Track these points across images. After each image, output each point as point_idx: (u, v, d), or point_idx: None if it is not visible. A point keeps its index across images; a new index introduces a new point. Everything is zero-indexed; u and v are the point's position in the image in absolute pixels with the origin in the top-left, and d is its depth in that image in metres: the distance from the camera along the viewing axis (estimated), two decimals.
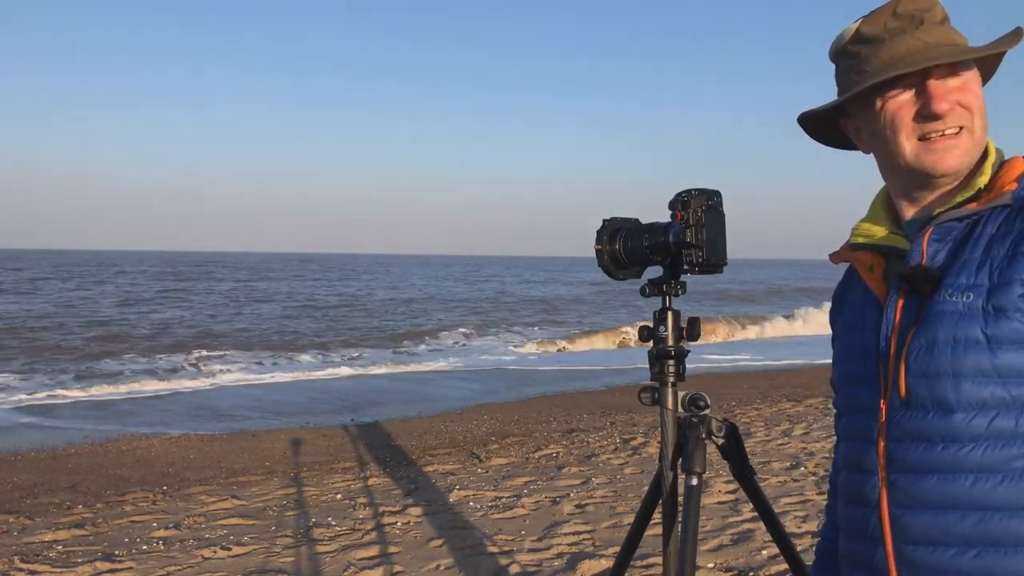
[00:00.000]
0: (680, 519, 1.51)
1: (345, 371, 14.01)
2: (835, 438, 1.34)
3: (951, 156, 1.15)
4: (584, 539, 4.53)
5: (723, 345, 18.37)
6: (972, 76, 1.17)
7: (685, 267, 1.61)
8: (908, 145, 1.16)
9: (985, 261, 1.10)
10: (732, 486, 5.39)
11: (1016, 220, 1.11)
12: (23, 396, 11.08)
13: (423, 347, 18.42)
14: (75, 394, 11.41)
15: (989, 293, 1.08)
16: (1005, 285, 1.07)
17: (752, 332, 21.42)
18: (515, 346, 18.67)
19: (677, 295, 1.69)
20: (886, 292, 1.20)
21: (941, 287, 1.12)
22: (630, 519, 4.81)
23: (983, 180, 1.16)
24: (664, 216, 1.62)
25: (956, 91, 1.15)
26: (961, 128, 1.15)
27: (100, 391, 11.70)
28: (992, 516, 1.06)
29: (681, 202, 1.55)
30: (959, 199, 1.17)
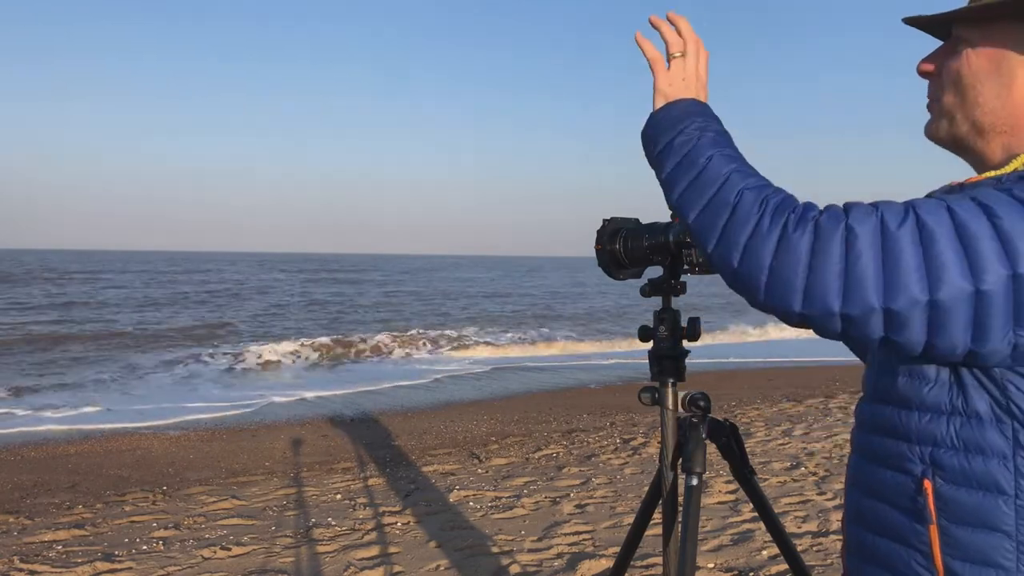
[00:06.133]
0: (680, 519, 1.51)
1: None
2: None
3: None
4: (584, 539, 4.54)
5: (724, 345, 18.37)
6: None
7: (685, 267, 1.61)
8: None
9: None
10: (732, 486, 5.39)
11: None
12: None
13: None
14: None
15: None
16: None
17: (753, 332, 21.41)
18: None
19: (677, 295, 1.69)
20: None
21: None
22: (630, 519, 4.81)
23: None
24: (664, 216, 1.62)
25: None
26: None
27: None
28: None
29: None
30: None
